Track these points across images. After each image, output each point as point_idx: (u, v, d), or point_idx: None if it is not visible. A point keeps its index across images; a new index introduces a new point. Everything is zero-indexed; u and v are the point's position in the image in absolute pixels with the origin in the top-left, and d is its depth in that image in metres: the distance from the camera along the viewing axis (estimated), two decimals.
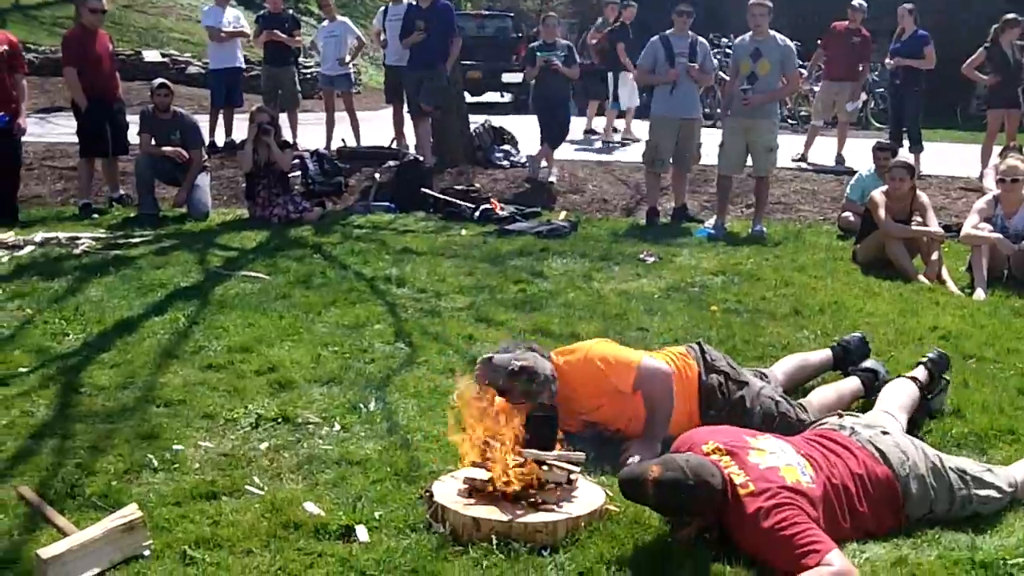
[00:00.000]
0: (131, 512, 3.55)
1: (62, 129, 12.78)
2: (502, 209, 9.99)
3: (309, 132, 13.04)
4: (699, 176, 11.14)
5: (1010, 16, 11.58)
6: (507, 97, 21.30)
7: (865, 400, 4.91)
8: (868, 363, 5.17)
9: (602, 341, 4.81)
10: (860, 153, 11.81)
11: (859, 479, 3.80)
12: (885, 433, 4.05)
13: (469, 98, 17.88)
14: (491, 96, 21.16)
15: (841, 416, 4.26)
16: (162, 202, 10.01)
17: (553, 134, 11.52)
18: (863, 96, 13.81)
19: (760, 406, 4.61)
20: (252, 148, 9.71)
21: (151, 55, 19.32)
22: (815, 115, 13.91)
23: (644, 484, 3.58)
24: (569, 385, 4.44)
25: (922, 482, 3.87)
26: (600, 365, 4.48)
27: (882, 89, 16.11)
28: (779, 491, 3.57)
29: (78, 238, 8.52)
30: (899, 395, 4.62)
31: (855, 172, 10.37)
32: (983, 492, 3.96)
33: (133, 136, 10.22)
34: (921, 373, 4.91)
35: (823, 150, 13.12)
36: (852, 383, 5.03)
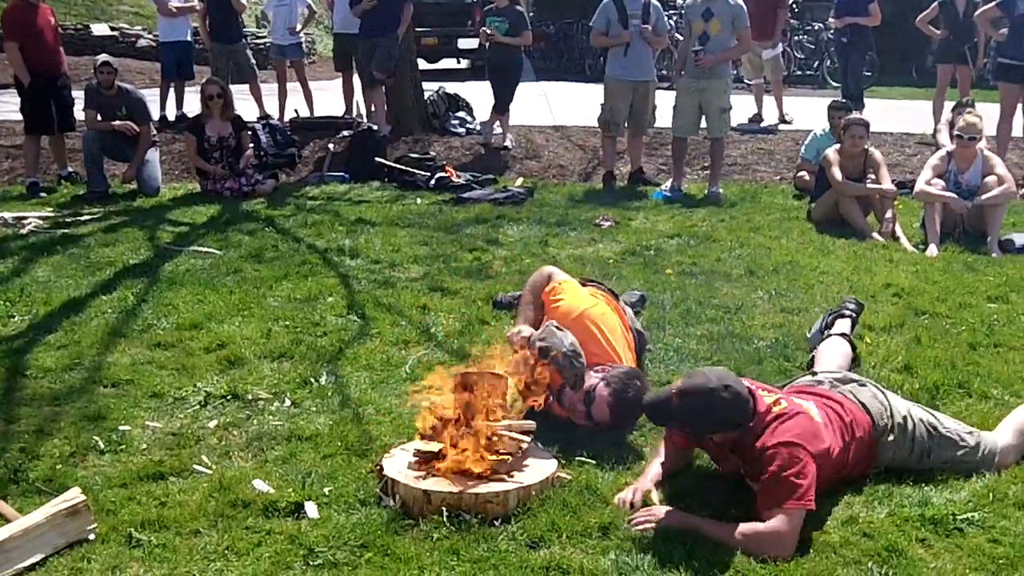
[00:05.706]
0: (74, 496, 3.49)
1: (7, 107, 12.49)
2: (458, 177, 9.90)
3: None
4: (655, 139, 11.10)
5: None
6: (464, 63, 21.08)
7: None
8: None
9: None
10: (815, 112, 11.79)
11: (850, 427, 3.80)
12: (862, 385, 4.07)
13: (426, 65, 17.71)
14: (448, 62, 20.96)
15: (815, 374, 4.27)
16: (112, 179, 9.83)
17: (501, 100, 11.40)
18: (780, 46, 13.58)
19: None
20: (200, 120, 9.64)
21: (100, 29, 18.98)
22: (746, 77, 13.85)
23: (668, 399, 3.57)
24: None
25: (892, 432, 3.89)
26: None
27: (835, 48, 16.10)
28: (803, 418, 3.57)
29: (25, 218, 8.35)
30: (836, 356, 4.71)
31: (810, 131, 10.36)
32: (947, 453, 3.94)
33: (80, 112, 10.02)
34: (847, 326, 5.06)
35: (773, 110, 13.09)
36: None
